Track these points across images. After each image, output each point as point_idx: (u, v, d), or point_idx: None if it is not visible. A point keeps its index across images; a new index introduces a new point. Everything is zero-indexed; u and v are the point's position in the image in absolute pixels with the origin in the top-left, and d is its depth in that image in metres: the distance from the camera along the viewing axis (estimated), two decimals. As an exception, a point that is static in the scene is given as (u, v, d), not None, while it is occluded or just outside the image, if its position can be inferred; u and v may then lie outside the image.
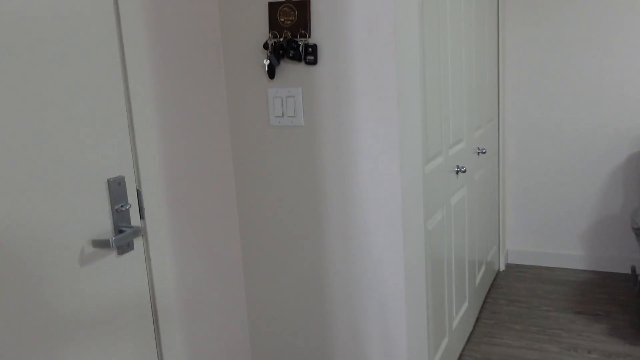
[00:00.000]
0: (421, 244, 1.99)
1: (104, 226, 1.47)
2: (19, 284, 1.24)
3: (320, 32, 1.76)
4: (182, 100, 1.75)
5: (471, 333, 3.07)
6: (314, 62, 1.77)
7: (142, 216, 1.60)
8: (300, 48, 1.76)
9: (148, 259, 1.62)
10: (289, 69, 1.83)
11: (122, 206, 1.51)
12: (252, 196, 2.00)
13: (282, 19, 1.78)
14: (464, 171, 2.60)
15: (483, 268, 3.37)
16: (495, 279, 3.76)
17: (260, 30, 1.84)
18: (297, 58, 1.77)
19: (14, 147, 1.22)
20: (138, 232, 1.50)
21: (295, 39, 1.77)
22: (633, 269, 3.21)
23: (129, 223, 1.54)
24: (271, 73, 1.83)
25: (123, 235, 1.45)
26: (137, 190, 1.58)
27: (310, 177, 1.88)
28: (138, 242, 1.59)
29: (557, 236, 3.89)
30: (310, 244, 1.94)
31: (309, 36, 1.77)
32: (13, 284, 1.23)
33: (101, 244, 1.42)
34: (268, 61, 1.81)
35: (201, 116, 1.84)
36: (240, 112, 1.95)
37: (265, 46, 1.81)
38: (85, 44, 1.40)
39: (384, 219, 1.80)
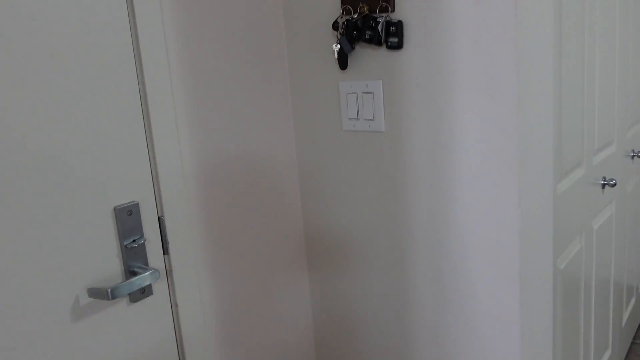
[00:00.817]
0: (548, 294, 1.44)
1: (110, 268, 1.13)
2: (-26, 353, 0.93)
3: (407, 4, 1.27)
4: (228, 95, 1.36)
5: (614, 387, 2.41)
6: (398, 46, 1.29)
7: (165, 251, 1.24)
8: (380, 27, 1.29)
9: (174, 305, 1.27)
10: (366, 56, 1.36)
11: (134, 241, 1.16)
12: (321, 221, 1.58)
13: (358, -11, 1.32)
14: (614, 184, 1.97)
15: (632, 302, 2.66)
16: (647, 312, 3.01)
17: (328, 5, 1.40)
18: (376, 41, 1.30)
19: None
20: (154, 275, 1.14)
21: (374, 15, 1.30)
22: None
23: (146, 261, 1.19)
24: (343, 62, 1.38)
25: (128, 283, 1.10)
26: (159, 218, 1.22)
27: (391, 203, 1.41)
28: (160, 285, 1.24)
29: None
30: (389, 292, 1.47)
31: (392, 10, 1.29)
32: (-35, 354, 0.92)
33: (97, 293, 1.08)
34: (338, 46, 1.36)
35: (255, 118, 1.44)
36: (305, 113, 1.52)
37: (335, 26, 1.36)
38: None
39: (492, 268, 1.28)
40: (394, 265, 1.45)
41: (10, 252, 0.97)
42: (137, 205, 1.16)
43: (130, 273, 1.16)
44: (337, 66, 1.41)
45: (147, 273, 1.14)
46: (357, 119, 1.41)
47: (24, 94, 0.98)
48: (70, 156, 1.04)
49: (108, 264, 1.13)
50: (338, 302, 1.62)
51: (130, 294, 1.17)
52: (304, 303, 1.68)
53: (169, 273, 1.25)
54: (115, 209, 1.13)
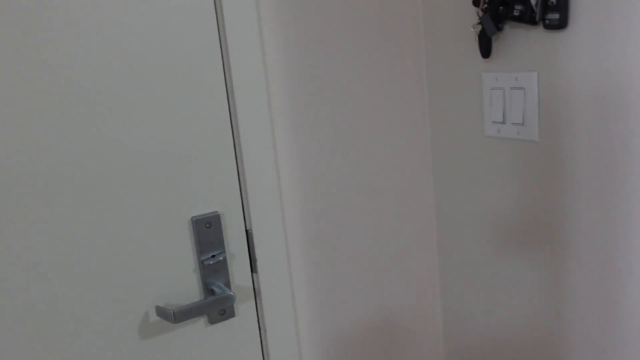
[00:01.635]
0: None
1: (186, 285, 1.02)
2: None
3: (576, -35, 0.91)
4: (346, 90, 1.15)
5: None
6: (560, 25, 0.93)
7: (253, 269, 1.09)
8: (534, 0, 0.95)
9: (262, 329, 1.12)
10: (516, 40, 1.02)
11: (212, 257, 1.03)
12: (457, 246, 1.28)
13: (509, -51, 0.98)
14: None
15: None
16: None
17: (471, -26, 1.08)
18: (528, 18, 0.96)
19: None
20: (229, 299, 1.00)
21: (528, -16, 0.96)
22: None
23: (228, 280, 1.06)
24: (485, 47, 1.06)
25: (194, 306, 0.97)
26: (247, 232, 1.07)
27: (547, 244, 1.05)
28: (246, 306, 1.09)
29: None
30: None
31: (554, -25, 0.93)
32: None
33: (163, 313, 0.97)
34: (480, 27, 1.05)
35: (381, 119, 1.20)
36: (442, 112, 1.23)
37: (476, 1, 1.05)
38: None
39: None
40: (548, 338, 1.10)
41: (77, 258, 0.91)
42: (218, 216, 1.03)
43: (209, 291, 1.04)
44: (479, 53, 1.09)
45: (222, 296, 1.00)
46: (503, 123, 1.08)
47: (109, 99, 0.90)
48: (146, 160, 0.94)
49: (183, 280, 1.02)
50: (473, 322, 1.31)
51: (208, 315, 1.05)
52: (435, 334, 1.40)
53: (257, 293, 1.10)
54: (192, 220, 1.01)
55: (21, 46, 0.84)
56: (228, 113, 1.02)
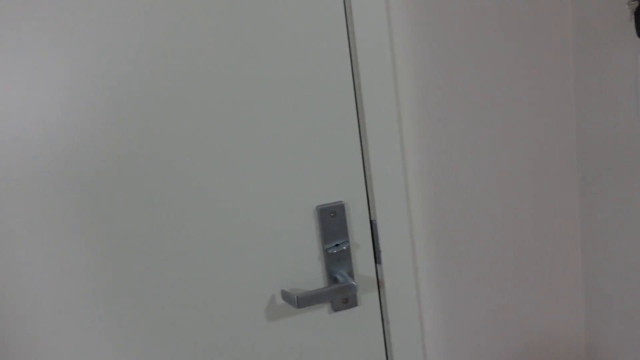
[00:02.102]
0: None
1: (310, 272, 1.05)
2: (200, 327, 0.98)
3: None
4: (480, 75, 1.09)
5: None
6: None
7: (377, 260, 1.09)
8: None
9: (385, 321, 1.11)
10: (683, 14, 0.89)
11: (336, 245, 1.05)
12: (606, 246, 1.16)
13: None
14: None
15: None
16: None
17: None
18: (698, -11, 0.83)
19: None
20: (351, 288, 1.01)
21: (699, -52, 0.83)
22: None
23: (351, 269, 1.06)
24: (642, 25, 0.94)
25: (317, 293, 0.99)
26: (371, 223, 1.07)
27: None
28: (369, 297, 1.09)
29: None
30: None
31: None
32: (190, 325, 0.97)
33: (287, 297, 1.01)
34: (636, 2, 0.92)
35: (522, 103, 1.12)
36: (588, 96, 1.11)
37: (632, -27, 0.92)
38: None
39: None
40: None
41: (207, 244, 0.97)
42: (342, 206, 1.04)
43: (332, 279, 1.06)
44: (634, 32, 0.97)
45: (345, 285, 1.01)
46: (663, 110, 0.95)
47: (244, 91, 0.95)
48: (275, 150, 0.98)
49: (308, 267, 1.04)
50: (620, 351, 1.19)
51: (331, 303, 1.07)
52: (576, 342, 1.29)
53: (380, 284, 1.10)
54: (317, 209, 1.03)
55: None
56: (354, 104, 1.02)
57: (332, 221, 1.04)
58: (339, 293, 1.01)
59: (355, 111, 1.02)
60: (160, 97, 0.90)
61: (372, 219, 1.07)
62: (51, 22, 0.83)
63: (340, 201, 1.04)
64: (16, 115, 0.83)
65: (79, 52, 0.85)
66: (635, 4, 0.92)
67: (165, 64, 0.90)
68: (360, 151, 1.04)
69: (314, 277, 1.05)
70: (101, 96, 0.87)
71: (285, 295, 1.01)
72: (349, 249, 1.05)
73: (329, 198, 1.03)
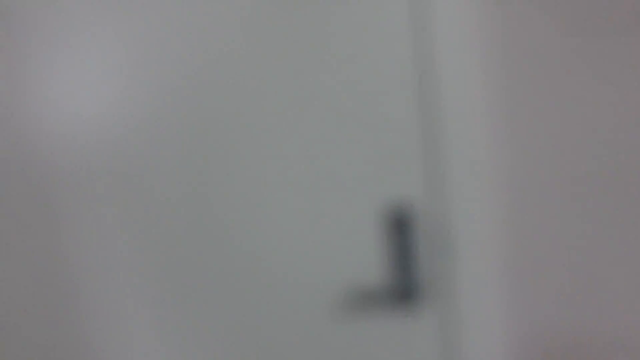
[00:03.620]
0: None
1: (376, 271, 1.00)
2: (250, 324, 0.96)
3: None
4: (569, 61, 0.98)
5: None
6: None
7: (450, 264, 1.02)
8: None
9: (454, 325, 1.05)
10: None
11: (404, 244, 0.99)
12: None
13: None
14: None
15: None
16: None
17: None
18: None
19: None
20: (421, 287, 0.95)
21: None
22: None
23: (419, 269, 1.00)
24: None
25: (386, 290, 0.94)
26: (445, 223, 1.00)
27: None
28: (439, 300, 1.03)
29: None
30: None
31: None
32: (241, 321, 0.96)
33: (354, 296, 0.96)
34: None
35: (603, 93, 1.01)
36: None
37: None
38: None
39: None
40: None
41: (275, 241, 0.94)
42: (411, 202, 0.97)
43: (402, 279, 1.00)
44: None
45: (415, 284, 0.95)
46: None
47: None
48: (339, 142, 0.93)
49: (373, 266, 0.99)
50: None
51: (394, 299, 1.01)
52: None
53: (451, 288, 1.03)
54: (384, 205, 0.97)
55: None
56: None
57: (399, 218, 0.97)
58: (410, 292, 0.95)
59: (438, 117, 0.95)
60: (231, 92, 0.87)
61: (446, 221, 1.00)
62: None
63: (409, 196, 0.98)
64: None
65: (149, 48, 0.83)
66: None
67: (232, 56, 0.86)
68: (438, 149, 0.97)
69: (381, 275, 1.00)
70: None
71: (351, 294, 0.97)
72: (416, 248, 0.99)
73: (396, 193, 0.97)
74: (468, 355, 1.05)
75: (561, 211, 1.05)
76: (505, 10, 0.94)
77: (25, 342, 0.90)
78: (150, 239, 0.88)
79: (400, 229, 0.97)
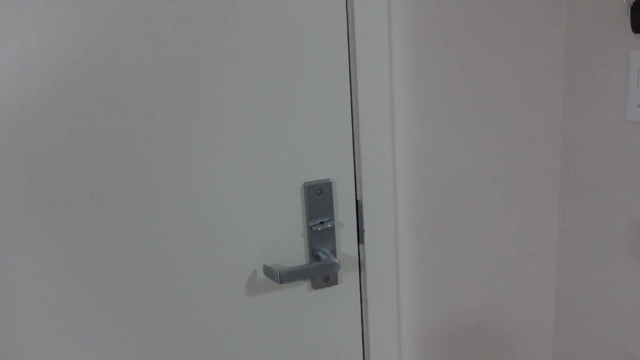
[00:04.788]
0: None
1: (293, 248, 1.04)
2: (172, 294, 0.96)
3: None
4: (471, 65, 1.09)
5: None
6: None
7: (360, 240, 1.08)
8: None
9: (364, 301, 1.12)
10: (679, 14, 0.90)
11: (321, 223, 1.04)
12: (585, 233, 1.18)
13: None
14: None
15: None
16: None
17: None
18: (696, -10, 0.84)
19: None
20: (334, 266, 1.01)
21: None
22: None
23: (334, 248, 1.06)
24: (638, 21, 0.95)
25: (302, 269, 0.99)
26: (357, 202, 1.07)
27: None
28: (350, 276, 1.10)
29: None
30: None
31: None
32: (165, 292, 0.95)
33: (270, 273, 1.00)
34: (634, -1, 0.93)
35: (507, 96, 1.13)
36: (576, 91, 1.12)
37: (632, -32, 0.93)
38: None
39: None
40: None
41: (194, 218, 0.95)
42: (329, 184, 1.03)
43: (315, 257, 1.05)
44: (628, 29, 0.98)
45: (328, 262, 1.00)
46: (650, 107, 0.97)
47: (229, 59, 0.92)
48: (264, 123, 0.96)
49: (291, 244, 1.03)
50: (586, 334, 1.22)
51: (312, 280, 1.07)
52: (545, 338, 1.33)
53: (361, 265, 1.10)
54: (304, 185, 1.02)
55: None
56: (348, 83, 1.00)
57: (318, 199, 1.03)
58: (321, 270, 1.00)
59: (348, 90, 1.01)
60: (143, 68, 0.87)
61: (358, 198, 1.07)
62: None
63: (328, 179, 1.03)
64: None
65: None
66: (632, 2, 0.93)
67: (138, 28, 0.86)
68: (351, 131, 1.03)
69: (296, 254, 1.04)
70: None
71: (267, 271, 1.00)
72: (333, 227, 1.05)
73: (316, 175, 1.02)
74: (376, 331, 1.13)
75: (459, 197, 1.16)
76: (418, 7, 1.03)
77: None
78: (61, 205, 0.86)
79: (318, 206, 1.03)
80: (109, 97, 0.86)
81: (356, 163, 1.05)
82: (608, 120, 1.06)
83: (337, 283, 1.08)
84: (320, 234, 1.04)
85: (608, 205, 1.11)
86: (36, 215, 0.85)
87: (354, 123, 1.03)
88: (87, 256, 0.89)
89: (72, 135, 0.85)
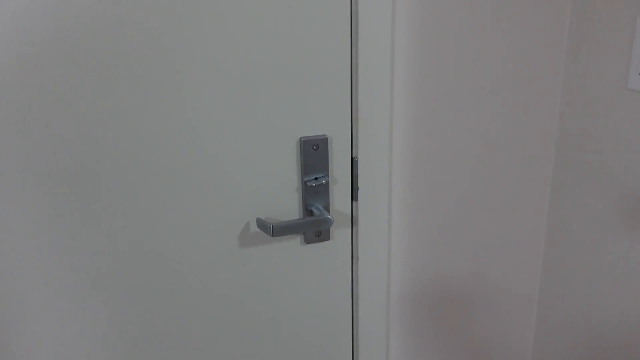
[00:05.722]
0: None
1: (287, 203, 1.04)
2: (167, 249, 0.97)
3: None
4: (468, 28, 1.07)
5: None
6: None
7: (354, 197, 1.09)
8: None
9: (355, 257, 1.13)
10: (688, -19, 0.89)
11: (315, 179, 1.04)
12: (576, 199, 1.19)
13: None
14: None
15: None
16: None
17: None
18: None
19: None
20: (327, 222, 1.01)
21: None
22: None
23: (327, 203, 1.07)
24: (646, -12, 0.93)
25: (294, 223, 1.00)
26: (352, 159, 1.07)
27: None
28: (342, 232, 1.11)
29: None
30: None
31: None
32: (160, 247, 0.96)
33: (262, 226, 1.01)
34: (644, -37, 0.91)
35: (508, 54, 1.12)
36: (578, 59, 1.11)
37: None
38: None
39: None
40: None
41: (188, 170, 0.95)
42: (325, 140, 1.03)
43: (308, 212, 1.06)
44: (637, -6, 0.96)
45: (321, 218, 1.01)
46: (651, 76, 0.96)
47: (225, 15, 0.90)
48: (262, 76, 0.95)
49: (285, 198, 1.04)
50: (571, 306, 1.25)
51: (304, 235, 1.08)
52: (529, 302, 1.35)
53: (354, 221, 1.11)
54: (300, 140, 1.01)
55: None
56: (349, 40, 0.99)
57: (314, 154, 1.03)
58: (314, 225, 1.01)
59: (349, 47, 1.00)
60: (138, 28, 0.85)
61: (353, 155, 1.07)
62: None
63: (325, 135, 1.03)
64: None
65: None
66: (643, -35, 0.91)
67: (158, -31, 0.84)
68: (349, 88, 1.02)
69: (290, 208, 1.05)
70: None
71: (260, 224, 1.01)
72: (327, 183, 1.05)
73: (313, 131, 1.02)
74: (365, 288, 1.14)
75: (454, 162, 1.16)
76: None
77: None
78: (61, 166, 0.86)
79: (313, 162, 1.03)
80: (106, 41, 0.84)
81: (353, 120, 1.04)
82: (609, 88, 1.06)
83: (329, 239, 1.10)
84: (314, 190, 1.05)
85: (604, 174, 1.11)
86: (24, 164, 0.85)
87: (352, 80, 1.02)
88: (83, 208, 0.89)
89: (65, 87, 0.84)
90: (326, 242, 1.10)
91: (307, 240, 1.08)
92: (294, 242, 1.07)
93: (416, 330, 1.26)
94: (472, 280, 1.28)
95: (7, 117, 0.82)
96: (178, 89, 0.90)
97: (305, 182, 1.04)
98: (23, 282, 0.90)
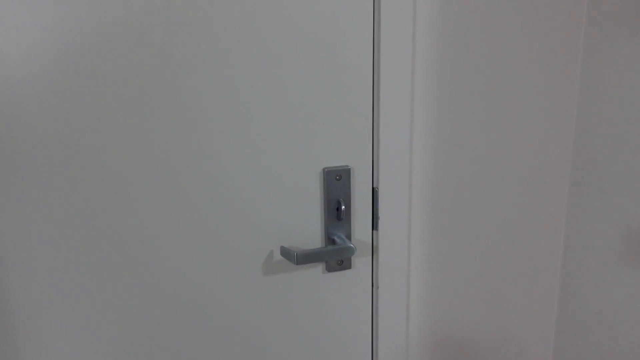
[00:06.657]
0: None
1: (309, 231, 1.07)
2: (189, 276, 0.99)
3: None
4: (486, 64, 1.12)
5: None
6: None
7: (374, 226, 1.11)
8: None
9: (375, 286, 1.15)
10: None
11: (337, 209, 1.07)
12: (595, 225, 1.21)
13: None
14: None
15: None
16: None
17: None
18: None
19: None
20: (349, 251, 1.04)
21: None
22: None
23: (349, 233, 1.09)
24: (657, 26, 0.97)
25: (318, 252, 1.02)
26: (373, 189, 1.10)
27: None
28: (362, 261, 1.13)
29: None
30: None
31: None
32: (182, 272, 0.99)
33: (286, 254, 1.03)
34: (655, 3, 0.96)
35: (523, 76, 1.16)
36: (593, 86, 1.15)
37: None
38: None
39: None
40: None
41: (215, 198, 0.98)
42: (348, 170, 1.06)
43: (330, 241, 1.08)
44: (648, 32, 1.00)
45: (343, 247, 1.04)
46: (664, 110, 0.99)
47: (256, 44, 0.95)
48: (289, 110, 0.99)
49: (308, 227, 1.06)
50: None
51: (327, 263, 1.10)
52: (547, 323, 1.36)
53: (374, 250, 1.13)
54: (324, 170, 1.04)
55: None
56: (371, 72, 1.03)
57: (336, 184, 1.06)
58: (337, 254, 1.03)
59: (371, 82, 1.04)
60: (158, 49, 0.90)
61: (374, 186, 1.09)
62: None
63: (347, 165, 1.06)
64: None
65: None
66: (654, 5, 0.95)
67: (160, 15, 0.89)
68: (371, 121, 1.06)
69: (312, 237, 1.08)
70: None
71: (285, 252, 1.03)
72: (349, 212, 1.08)
73: (336, 162, 1.05)
74: (385, 316, 1.16)
75: (473, 189, 1.18)
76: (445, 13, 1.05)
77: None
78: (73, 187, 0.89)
79: (336, 191, 1.06)
80: (123, 67, 0.88)
81: (374, 152, 1.07)
82: (623, 119, 1.09)
83: (350, 267, 1.12)
84: (336, 219, 1.07)
85: (619, 201, 1.14)
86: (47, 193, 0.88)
87: (374, 113, 1.05)
88: (108, 237, 0.92)
89: (84, 111, 0.88)
90: (347, 271, 1.12)
91: (329, 269, 1.10)
92: (316, 271, 1.10)
93: (434, 345, 1.27)
94: (490, 310, 1.29)
95: (8, 117, 0.86)
96: (205, 122, 0.94)
97: (327, 212, 1.06)
98: (48, 290, 0.92)
